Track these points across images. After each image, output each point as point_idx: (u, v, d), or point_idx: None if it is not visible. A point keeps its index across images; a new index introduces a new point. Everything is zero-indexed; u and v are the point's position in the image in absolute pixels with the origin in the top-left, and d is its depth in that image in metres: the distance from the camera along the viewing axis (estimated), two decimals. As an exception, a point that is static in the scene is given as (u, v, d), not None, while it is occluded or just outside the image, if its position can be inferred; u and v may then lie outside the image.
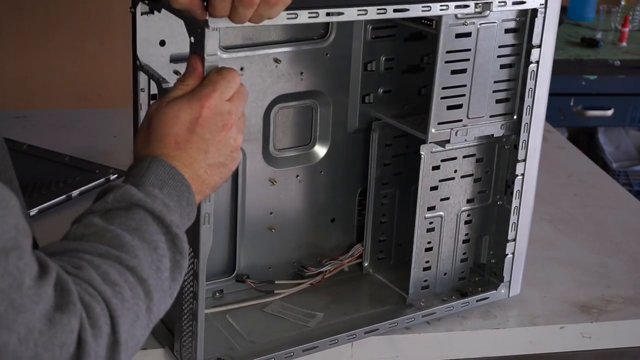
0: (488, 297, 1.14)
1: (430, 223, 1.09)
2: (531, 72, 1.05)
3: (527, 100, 1.06)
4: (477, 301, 1.13)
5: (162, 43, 0.95)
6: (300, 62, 1.07)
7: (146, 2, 0.91)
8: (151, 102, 0.95)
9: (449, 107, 1.03)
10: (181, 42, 0.93)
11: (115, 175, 1.42)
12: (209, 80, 0.81)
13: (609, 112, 2.65)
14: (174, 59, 0.97)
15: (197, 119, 0.78)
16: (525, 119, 1.06)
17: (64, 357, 0.60)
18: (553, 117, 2.44)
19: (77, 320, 0.61)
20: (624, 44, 2.77)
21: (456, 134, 1.04)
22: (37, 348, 0.58)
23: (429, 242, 1.10)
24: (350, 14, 0.89)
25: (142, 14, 0.92)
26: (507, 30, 1.03)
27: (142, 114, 0.95)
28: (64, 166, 1.45)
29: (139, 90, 0.95)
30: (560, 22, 2.89)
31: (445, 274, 1.13)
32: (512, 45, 1.04)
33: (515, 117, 1.07)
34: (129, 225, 0.71)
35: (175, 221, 0.74)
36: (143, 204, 0.73)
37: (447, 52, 1.00)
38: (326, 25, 1.07)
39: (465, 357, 1.12)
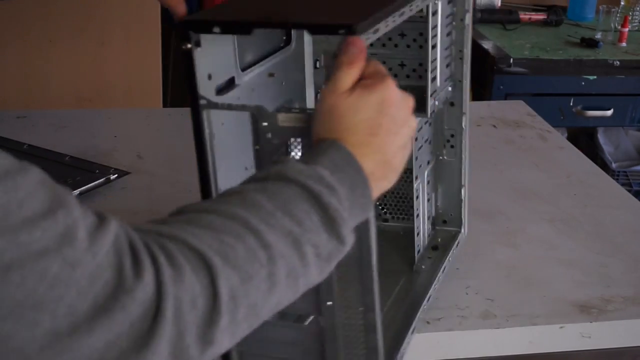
0: (459, 241, 1.25)
1: (417, 191, 1.17)
2: (466, 35, 1.15)
3: (466, 60, 1.17)
4: (455, 248, 1.23)
5: (210, 77, 0.90)
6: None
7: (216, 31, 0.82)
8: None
9: (432, 80, 1.07)
10: (224, 74, 0.90)
11: (116, 175, 1.43)
12: (374, 68, 0.79)
13: (609, 112, 2.65)
14: (219, 91, 0.92)
15: (385, 100, 0.77)
16: (465, 78, 1.18)
17: (138, 301, 0.57)
18: (553, 117, 2.45)
19: (147, 265, 0.58)
20: (624, 44, 2.77)
21: (436, 103, 1.09)
22: (97, 298, 0.56)
23: (417, 209, 1.18)
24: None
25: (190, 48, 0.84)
26: (449, 1, 1.13)
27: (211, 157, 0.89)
28: (64, 166, 1.45)
29: (204, 131, 0.87)
30: (560, 23, 2.92)
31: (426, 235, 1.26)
32: (452, 14, 1.13)
33: (457, 78, 1.18)
34: (278, 197, 0.68)
35: (336, 205, 0.70)
36: (303, 182, 0.70)
37: (432, 29, 1.06)
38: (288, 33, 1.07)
39: (465, 357, 1.12)
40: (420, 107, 0.97)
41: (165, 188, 1.43)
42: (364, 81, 0.78)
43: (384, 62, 1.04)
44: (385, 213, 1.04)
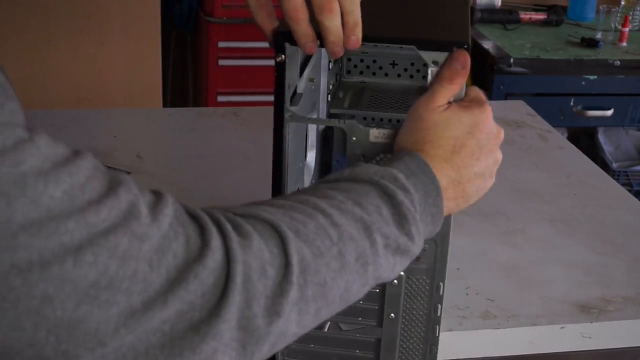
0: None
1: None
2: None
3: None
4: None
5: (288, 87, 0.88)
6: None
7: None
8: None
9: None
10: (293, 83, 0.88)
11: (115, 175, 1.42)
12: (474, 95, 0.79)
13: (609, 112, 2.65)
14: (291, 101, 0.91)
15: (478, 124, 0.77)
16: None
17: (209, 268, 0.57)
18: (553, 117, 2.45)
19: (213, 232, 0.59)
20: (624, 44, 2.77)
21: None
22: (169, 270, 0.56)
23: None
24: None
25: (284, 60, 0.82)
26: None
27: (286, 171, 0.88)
28: (64, 166, 1.45)
29: (285, 144, 0.85)
30: (560, 22, 2.92)
31: None
32: None
33: None
34: (349, 192, 0.68)
35: (408, 205, 0.70)
36: (377, 180, 0.70)
37: None
38: None
39: (465, 357, 1.12)
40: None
41: (165, 188, 1.42)
42: (461, 102, 0.78)
43: (374, 61, 1.02)
44: None
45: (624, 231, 1.37)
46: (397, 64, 1.00)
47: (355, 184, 0.70)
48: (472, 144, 0.77)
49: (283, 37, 0.80)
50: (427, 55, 0.80)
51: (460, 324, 1.11)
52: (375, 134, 0.84)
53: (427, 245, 0.88)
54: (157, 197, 0.60)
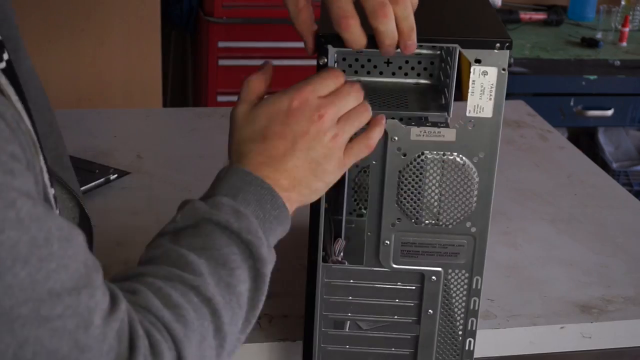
0: None
1: None
2: None
3: None
4: None
5: None
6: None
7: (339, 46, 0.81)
8: None
9: None
10: None
11: (115, 175, 1.42)
12: (304, 79, 0.79)
13: (609, 112, 2.65)
14: None
15: (286, 111, 0.76)
16: None
17: None
18: (553, 117, 2.44)
19: (142, 354, 0.60)
20: (624, 44, 2.77)
21: None
22: None
23: None
24: None
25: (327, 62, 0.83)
26: None
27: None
28: (64, 166, 1.45)
29: None
30: (560, 22, 2.92)
31: None
32: None
33: None
34: (195, 244, 0.70)
35: (247, 227, 0.71)
36: (208, 217, 0.71)
37: None
38: None
39: (466, 357, 1.12)
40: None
41: (165, 188, 1.42)
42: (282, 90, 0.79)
43: (369, 60, 1.01)
44: (361, 208, 1.03)
45: (624, 231, 1.37)
46: (391, 62, 1.00)
47: (197, 228, 0.71)
48: (284, 129, 0.76)
49: (326, 39, 0.81)
50: (470, 54, 0.82)
51: (461, 324, 1.11)
52: (417, 132, 0.85)
53: (465, 241, 0.89)
54: (113, 303, 0.60)
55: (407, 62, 1.00)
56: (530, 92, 2.57)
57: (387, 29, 0.75)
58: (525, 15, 2.92)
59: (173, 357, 0.63)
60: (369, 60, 1.01)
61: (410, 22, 0.76)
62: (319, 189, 0.79)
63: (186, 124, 1.70)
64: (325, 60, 0.81)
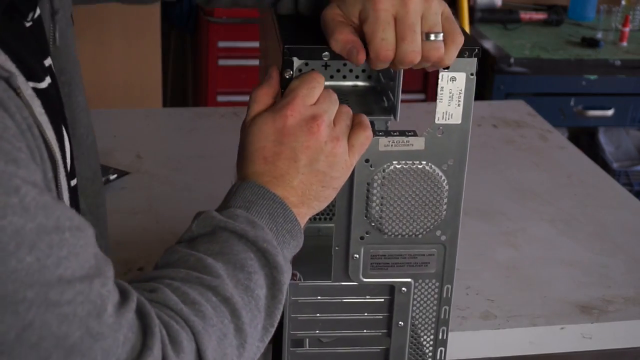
0: None
1: None
2: None
3: None
4: None
5: None
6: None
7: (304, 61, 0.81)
8: None
9: None
10: None
11: (115, 175, 1.42)
12: (289, 89, 0.77)
13: (609, 112, 2.64)
14: None
15: (282, 130, 0.75)
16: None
17: None
18: (553, 117, 2.44)
19: (159, 344, 0.60)
20: (625, 43, 2.77)
21: None
22: None
23: None
24: None
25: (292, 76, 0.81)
26: None
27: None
28: (64, 166, 1.45)
29: None
30: (561, 22, 2.92)
31: None
32: None
33: None
34: (212, 249, 0.70)
35: (263, 236, 0.71)
36: (224, 225, 0.71)
37: None
38: None
39: (466, 358, 1.12)
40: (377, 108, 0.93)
41: (165, 188, 1.42)
42: (272, 105, 0.77)
43: (306, 64, 1.00)
44: (325, 219, 1.02)
45: (624, 231, 1.37)
46: (329, 66, 0.97)
47: (213, 235, 0.71)
48: (284, 149, 0.75)
49: (292, 52, 0.79)
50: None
51: (460, 324, 1.11)
52: (385, 143, 0.83)
53: (435, 250, 0.88)
54: (124, 296, 0.60)
55: (345, 64, 0.97)
56: (530, 92, 2.57)
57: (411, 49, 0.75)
58: (525, 15, 2.91)
59: (192, 348, 0.63)
60: (306, 64, 1.00)
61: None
62: (329, 196, 0.78)
63: (186, 124, 1.70)
64: (291, 73, 0.79)
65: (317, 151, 0.76)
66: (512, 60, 2.55)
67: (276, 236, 0.73)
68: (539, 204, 1.45)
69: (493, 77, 2.56)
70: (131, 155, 1.53)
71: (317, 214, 0.99)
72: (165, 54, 2.80)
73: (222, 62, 2.81)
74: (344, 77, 0.98)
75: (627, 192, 1.54)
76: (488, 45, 2.66)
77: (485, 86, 2.60)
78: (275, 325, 0.72)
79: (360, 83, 0.98)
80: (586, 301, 1.17)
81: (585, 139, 2.82)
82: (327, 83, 0.96)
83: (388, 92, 0.92)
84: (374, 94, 0.96)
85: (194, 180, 1.44)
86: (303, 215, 0.76)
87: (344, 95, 0.95)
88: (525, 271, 1.24)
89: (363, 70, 0.97)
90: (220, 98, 2.84)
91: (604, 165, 2.69)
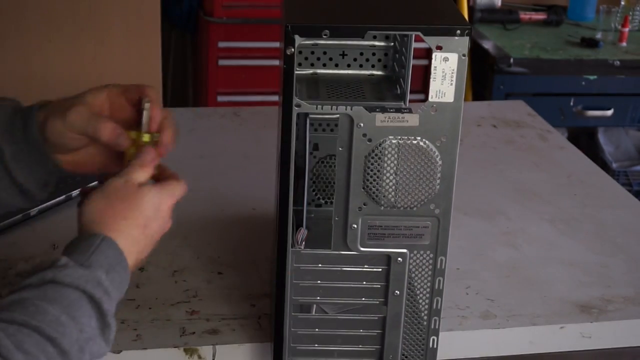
0: None
1: None
2: None
3: None
4: None
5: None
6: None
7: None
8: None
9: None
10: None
11: (115, 175, 1.42)
12: (173, 178, 0.89)
13: (609, 112, 2.65)
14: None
15: (160, 205, 0.84)
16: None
17: None
18: (553, 117, 2.44)
19: None
20: (624, 44, 2.77)
21: None
22: None
23: None
24: None
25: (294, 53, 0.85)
26: None
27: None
28: (64, 166, 1.45)
29: (292, 136, 0.89)
30: (560, 22, 2.92)
31: None
32: None
33: None
34: (61, 302, 0.72)
35: (112, 311, 0.76)
36: (83, 287, 0.74)
37: None
38: None
39: (465, 357, 1.12)
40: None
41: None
42: (161, 185, 0.86)
43: (324, 53, 1.04)
44: (319, 198, 1.06)
45: (624, 231, 1.37)
46: (346, 55, 1.04)
47: (65, 290, 0.74)
48: (154, 224, 0.83)
49: (294, 30, 0.83)
50: (432, 40, 0.84)
51: (460, 324, 1.11)
52: (382, 118, 0.87)
53: (429, 223, 0.92)
54: None
55: (361, 54, 1.04)
56: (530, 92, 2.57)
57: None
58: (525, 15, 2.92)
59: None
60: (324, 53, 1.04)
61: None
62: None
63: (186, 124, 1.70)
64: (293, 50, 0.84)
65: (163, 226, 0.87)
66: (511, 60, 2.55)
67: (116, 302, 0.79)
68: (539, 204, 1.45)
69: (493, 77, 2.55)
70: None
71: (321, 197, 1.08)
72: (165, 54, 2.79)
73: (222, 62, 2.80)
74: (361, 66, 1.05)
75: (627, 192, 1.54)
76: (488, 45, 2.66)
77: (485, 86, 2.60)
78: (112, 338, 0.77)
79: (376, 72, 1.05)
80: (586, 301, 1.18)
81: (584, 139, 2.82)
82: (344, 72, 1.06)
83: (401, 80, 0.98)
84: (388, 83, 1.02)
85: (194, 180, 1.44)
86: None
87: (359, 83, 1.02)
88: (525, 271, 1.24)
89: (379, 60, 1.04)
90: (220, 98, 2.84)
91: (604, 165, 2.69)
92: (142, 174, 0.84)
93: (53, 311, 0.71)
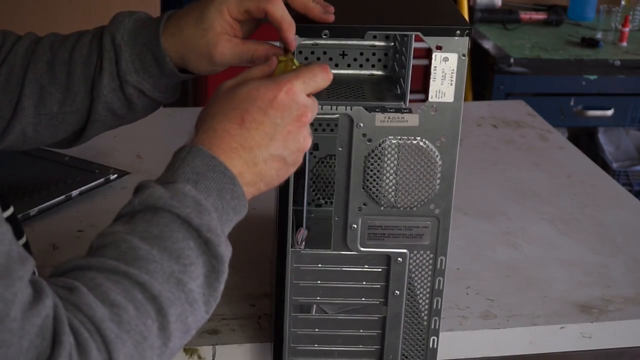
0: None
1: None
2: None
3: None
4: None
5: None
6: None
7: None
8: None
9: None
10: None
11: (115, 175, 1.42)
12: (294, 70, 0.77)
13: (609, 112, 2.65)
14: None
15: (272, 101, 0.72)
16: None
17: None
18: (553, 117, 2.44)
19: (66, 354, 0.57)
20: (624, 44, 2.77)
21: None
22: None
23: None
24: None
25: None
26: None
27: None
28: (64, 166, 1.45)
29: None
30: (560, 22, 2.92)
31: None
32: None
33: None
34: (150, 232, 0.65)
35: (208, 224, 0.67)
36: (169, 208, 0.66)
37: None
38: None
39: (465, 357, 1.12)
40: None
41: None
42: (262, 78, 0.76)
43: (324, 53, 1.04)
44: (319, 198, 1.06)
45: (624, 231, 1.37)
46: (346, 55, 1.04)
47: (154, 215, 0.67)
48: (265, 121, 0.72)
49: (295, 30, 0.84)
50: (431, 41, 0.85)
51: (460, 324, 1.11)
52: (381, 118, 0.88)
53: (429, 223, 0.92)
54: (37, 299, 0.57)
55: (361, 54, 1.04)
56: (530, 92, 2.57)
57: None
58: (525, 15, 2.92)
59: (102, 357, 0.60)
60: (324, 53, 1.04)
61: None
62: (275, 185, 0.77)
63: (186, 124, 1.70)
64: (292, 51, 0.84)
65: (294, 140, 0.74)
66: (512, 60, 2.55)
67: (220, 215, 0.70)
68: (539, 203, 1.45)
69: (493, 77, 2.56)
70: (131, 155, 1.53)
71: (321, 197, 1.08)
72: (165, 54, 2.79)
73: (222, 62, 2.81)
74: (361, 66, 1.05)
75: (627, 192, 1.54)
76: (488, 45, 2.66)
77: (485, 86, 2.60)
78: (211, 312, 0.69)
79: (376, 72, 1.05)
80: (586, 301, 1.18)
81: (585, 139, 2.82)
82: (344, 72, 1.05)
83: (401, 80, 0.97)
84: (388, 83, 1.02)
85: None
86: (249, 194, 0.74)
87: (359, 83, 1.02)
88: (525, 271, 1.24)
89: (379, 60, 1.04)
90: (220, 98, 2.84)
91: (604, 165, 2.69)
92: (258, 70, 0.79)
93: (143, 247, 0.64)
